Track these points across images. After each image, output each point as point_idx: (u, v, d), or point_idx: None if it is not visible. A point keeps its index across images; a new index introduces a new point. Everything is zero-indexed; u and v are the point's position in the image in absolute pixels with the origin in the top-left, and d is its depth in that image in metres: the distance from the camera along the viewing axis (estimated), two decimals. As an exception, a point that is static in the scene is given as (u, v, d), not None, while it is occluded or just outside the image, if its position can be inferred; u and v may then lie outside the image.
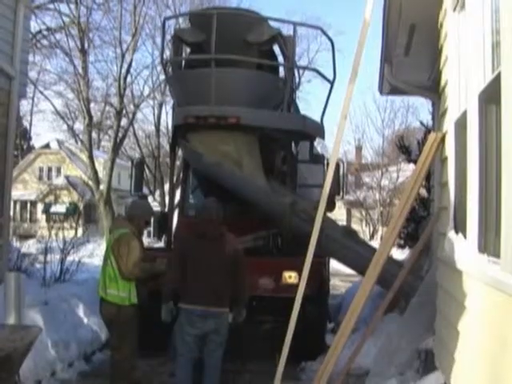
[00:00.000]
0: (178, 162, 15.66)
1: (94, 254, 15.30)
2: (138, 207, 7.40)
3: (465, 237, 4.91)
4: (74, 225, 36.65)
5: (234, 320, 6.87)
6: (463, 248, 4.89)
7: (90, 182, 33.92)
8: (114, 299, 6.76)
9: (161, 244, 16.80)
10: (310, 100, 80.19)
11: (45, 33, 28.96)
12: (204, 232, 6.77)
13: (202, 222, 6.92)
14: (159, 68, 28.90)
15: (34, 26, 26.20)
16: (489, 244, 4.16)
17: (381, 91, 10.28)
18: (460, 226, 5.22)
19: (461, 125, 5.21)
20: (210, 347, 6.67)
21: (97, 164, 33.52)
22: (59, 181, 49.79)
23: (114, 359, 6.93)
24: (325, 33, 11.20)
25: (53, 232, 13.68)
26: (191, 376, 6.66)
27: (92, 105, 32.59)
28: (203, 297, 6.52)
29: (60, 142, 50.70)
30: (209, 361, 6.70)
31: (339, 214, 34.56)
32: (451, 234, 5.47)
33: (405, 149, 16.60)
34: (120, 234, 6.89)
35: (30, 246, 14.01)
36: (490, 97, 4.09)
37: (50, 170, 51.79)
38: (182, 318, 6.65)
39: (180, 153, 11.66)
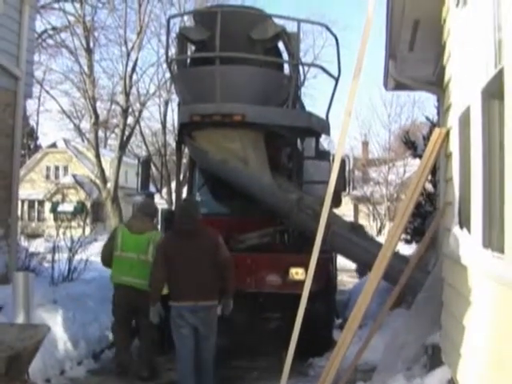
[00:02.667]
0: (184, 160, 15.62)
1: (101, 252, 15.27)
2: (152, 207, 8.73)
3: (469, 232, 4.93)
4: (81, 223, 36.65)
5: (222, 312, 6.95)
6: (468, 243, 4.90)
7: (97, 181, 34.05)
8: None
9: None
10: (316, 95, 79.93)
11: (50, 32, 29.15)
12: (180, 229, 6.94)
13: (177, 220, 7.07)
14: (165, 66, 28.90)
15: (40, 25, 26.41)
16: (493, 239, 4.17)
17: (386, 87, 10.28)
18: (464, 222, 5.23)
19: (464, 120, 5.22)
20: (201, 341, 6.80)
21: (104, 162, 33.58)
22: (66, 180, 49.91)
23: (149, 334, 7.90)
24: (329, 30, 11.14)
25: (60, 231, 13.66)
26: (193, 368, 6.76)
27: (98, 103, 32.80)
28: (190, 292, 6.67)
29: (67, 141, 50.78)
30: (201, 355, 6.83)
31: (346, 210, 34.42)
32: (456, 229, 5.48)
33: (411, 144, 16.59)
34: (159, 236, 7.90)
35: (38, 246, 13.99)
36: (493, 92, 4.10)
37: (57, 169, 51.88)
38: (173, 313, 6.80)
39: (186, 150, 11.68)
